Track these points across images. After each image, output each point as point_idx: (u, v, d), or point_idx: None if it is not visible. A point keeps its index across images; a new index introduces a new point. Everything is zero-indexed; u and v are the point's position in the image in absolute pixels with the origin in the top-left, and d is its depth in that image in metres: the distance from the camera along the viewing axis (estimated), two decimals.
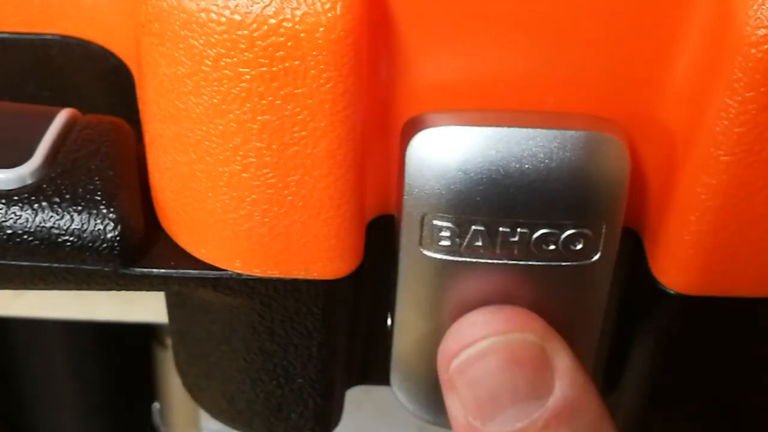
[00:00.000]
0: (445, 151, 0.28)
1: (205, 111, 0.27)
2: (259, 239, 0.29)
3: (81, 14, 0.33)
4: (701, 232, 0.29)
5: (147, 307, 0.45)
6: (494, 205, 0.28)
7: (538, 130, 0.28)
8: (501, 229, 0.29)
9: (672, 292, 0.30)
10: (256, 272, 0.30)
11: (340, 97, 0.27)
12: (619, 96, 0.28)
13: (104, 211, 0.30)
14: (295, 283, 0.30)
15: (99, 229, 0.30)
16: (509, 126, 0.28)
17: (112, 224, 0.30)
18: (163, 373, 0.56)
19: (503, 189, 0.28)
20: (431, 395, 0.32)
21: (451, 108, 0.28)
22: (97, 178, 0.30)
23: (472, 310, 0.30)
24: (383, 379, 0.35)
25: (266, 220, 0.29)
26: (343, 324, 0.32)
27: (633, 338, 0.32)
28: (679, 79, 0.28)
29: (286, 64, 0.26)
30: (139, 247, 0.30)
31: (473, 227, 0.29)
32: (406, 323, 0.31)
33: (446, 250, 0.29)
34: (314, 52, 0.26)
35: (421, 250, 0.29)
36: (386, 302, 0.32)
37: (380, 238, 0.31)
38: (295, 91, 0.26)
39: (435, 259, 0.29)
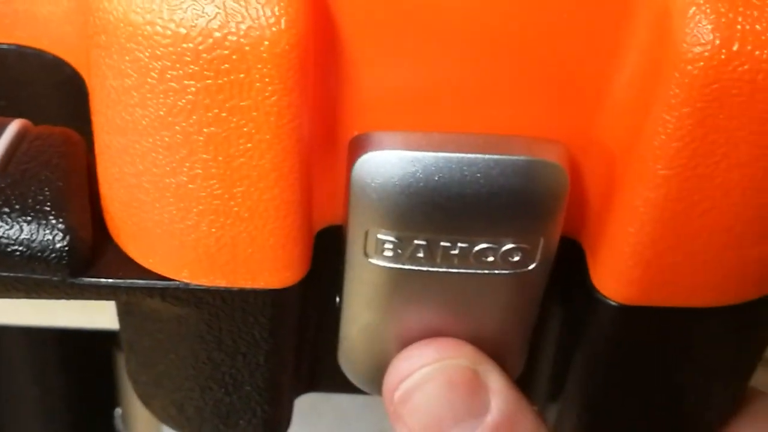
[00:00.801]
0: (390, 175, 0.28)
1: (151, 123, 0.27)
2: (206, 249, 0.30)
3: (36, 24, 0.33)
4: (640, 243, 0.29)
5: (105, 313, 0.45)
6: (436, 224, 0.29)
7: (480, 156, 0.28)
8: (442, 243, 0.30)
9: (612, 302, 0.31)
10: (204, 282, 0.30)
11: (286, 110, 0.27)
12: (561, 112, 0.29)
13: (53, 221, 0.30)
14: (242, 293, 0.31)
15: (48, 239, 0.30)
16: (452, 152, 0.28)
17: (61, 234, 0.30)
18: (125, 378, 0.56)
19: (445, 211, 0.29)
20: (372, 371, 0.34)
21: (397, 121, 0.29)
22: (47, 188, 0.30)
23: (413, 308, 0.31)
24: (333, 387, 0.36)
25: (213, 230, 0.29)
26: (290, 333, 0.33)
27: (575, 347, 0.33)
28: (619, 96, 0.28)
29: (232, 77, 0.26)
30: (88, 257, 0.31)
31: (415, 241, 0.29)
32: (353, 313, 0.32)
33: (389, 260, 0.30)
34: (259, 66, 0.26)
35: (366, 258, 0.30)
36: (335, 313, 0.33)
37: (330, 247, 0.31)
38: (241, 103, 0.27)
39: (378, 266, 0.30)
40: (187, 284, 0.31)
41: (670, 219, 0.29)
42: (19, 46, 0.34)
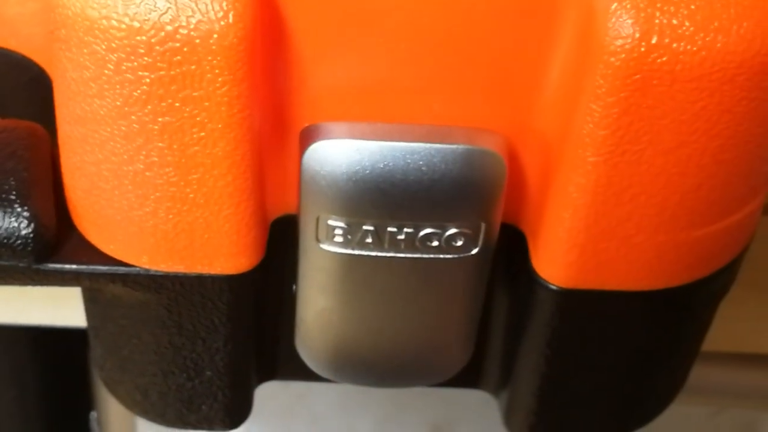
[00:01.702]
0: (338, 163, 0.30)
1: (109, 113, 0.29)
2: (164, 235, 0.31)
3: (3, 25, 0.34)
4: (574, 228, 0.30)
5: (78, 311, 0.46)
6: (382, 209, 0.30)
7: (423, 144, 0.30)
8: (389, 228, 0.31)
9: (551, 285, 0.32)
10: (163, 268, 0.32)
11: (236, 100, 0.28)
12: (498, 104, 0.30)
13: (18, 209, 0.31)
14: (200, 278, 0.32)
15: (13, 227, 0.31)
16: (396, 140, 0.30)
17: (26, 222, 0.31)
18: (101, 381, 0.56)
19: (390, 197, 0.30)
20: (329, 355, 0.34)
21: (345, 113, 0.30)
22: (12, 178, 0.32)
23: (365, 293, 0.32)
24: (294, 374, 0.37)
25: (170, 216, 0.30)
26: (248, 318, 0.34)
27: (521, 331, 0.34)
28: (552, 88, 0.30)
29: (184, 68, 0.28)
30: (52, 244, 0.32)
31: (363, 227, 0.31)
32: (308, 299, 0.33)
33: (340, 245, 0.31)
34: (209, 58, 0.28)
35: (318, 244, 0.31)
36: (293, 300, 0.34)
37: (284, 235, 0.33)
38: (193, 94, 0.28)
39: (330, 252, 0.31)
40: (147, 270, 0.32)
41: (601, 204, 0.30)
42: None
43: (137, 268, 0.32)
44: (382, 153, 0.30)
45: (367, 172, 0.30)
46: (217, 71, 0.28)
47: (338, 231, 0.31)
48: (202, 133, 0.29)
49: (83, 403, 0.60)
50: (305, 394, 0.62)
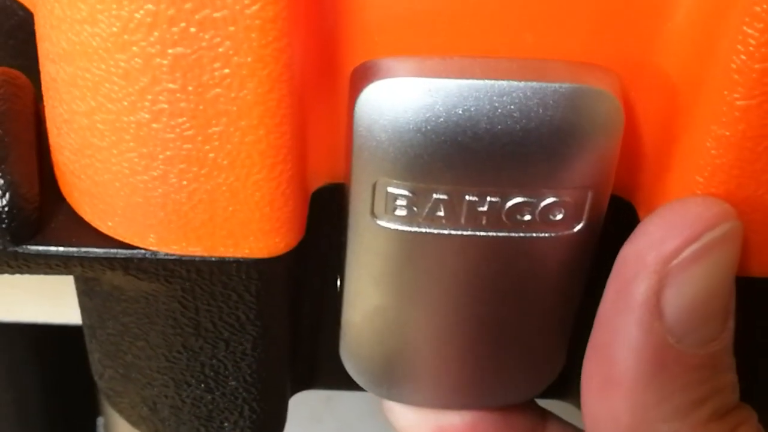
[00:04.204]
0: (402, 107, 0.24)
1: (103, 43, 0.23)
2: (177, 208, 0.25)
3: None
4: (710, 196, 0.24)
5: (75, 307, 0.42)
6: (459, 171, 0.25)
7: (514, 83, 0.24)
8: (467, 197, 0.25)
9: None
10: (175, 250, 0.26)
11: (271, 24, 0.22)
12: (609, 33, 0.24)
13: None
14: (222, 263, 0.26)
15: None
16: (478, 78, 0.24)
17: (0, 191, 0.25)
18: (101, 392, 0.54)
19: (470, 153, 0.24)
20: (383, 369, 0.29)
21: (409, 47, 0.24)
22: None
23: (432, 283, 0.27)
24: (336, 383, 0.32)
25: (184, 183, 0.25)
26: (282, 315, 0.28)
27: None
28: (684, 9, 0.24)
29: None
30: (35, 220, 0.26)
31: (434, 195, 0.25)
32: (357, 294, 0.27)
33: (402, 220, 0.25)
34: None
35: (374, 219, 0.25)
36: (336, 295, 0.28)
37: (329, 209, 0.27)
38: (214, 14, 0.22)
39: (389, 229, 0.26)
40: (154, 253, 0.26)
41: (748, 163, 0.24)
42: None
43: (142, 251, 0.26)
44: (460, 94, 0.24)
45: (441, 120, 0.24)
46: None
47: (401, 201, 0.25)
48: (226, 70, 0.23)
49: (89, 407, 0.59)
50: (333, 397, 0.60)
